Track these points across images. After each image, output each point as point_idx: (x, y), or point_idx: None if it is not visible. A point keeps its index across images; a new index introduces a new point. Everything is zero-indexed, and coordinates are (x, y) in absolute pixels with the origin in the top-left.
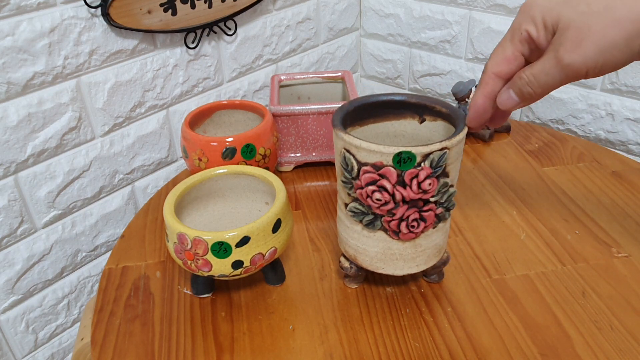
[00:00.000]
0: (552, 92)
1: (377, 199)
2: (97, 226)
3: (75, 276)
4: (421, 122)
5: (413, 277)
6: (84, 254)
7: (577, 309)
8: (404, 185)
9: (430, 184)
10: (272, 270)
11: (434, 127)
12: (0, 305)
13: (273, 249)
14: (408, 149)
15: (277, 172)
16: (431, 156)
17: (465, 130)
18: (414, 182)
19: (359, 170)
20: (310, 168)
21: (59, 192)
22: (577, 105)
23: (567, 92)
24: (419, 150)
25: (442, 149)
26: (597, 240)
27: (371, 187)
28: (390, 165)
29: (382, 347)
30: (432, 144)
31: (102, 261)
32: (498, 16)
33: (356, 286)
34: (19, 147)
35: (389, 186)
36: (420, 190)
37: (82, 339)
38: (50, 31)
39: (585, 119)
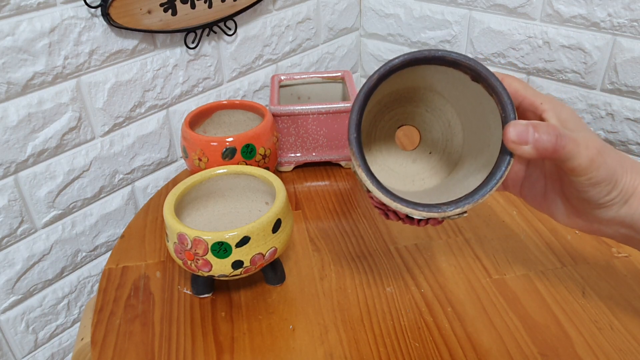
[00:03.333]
0: (553, 92)
1: (385, 216)
2: (97, 226)
3: (75, 276)
4: (473, 80)
5: (413, 277)
6: (84, 254)
7: (577, 309)
8: (412, 220)
9: (440, 224)
10: (272, 270)
11: (483, 98)
12: (0, 305)
13: (273, 249)
14: (423, 214)
15: (277, 172)
16: (447, 217)
17: (502, 179)
18: (423, 222)
19: (368, 191)
20: (310, 168)
21: (59, 192)
22: (577, 105)
23: (567, 92)
24: (433, 216)
25: (461, 213)
26: (597, 240)
27: (378, 210)
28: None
29: (382, 347)
30: (452, 207)
31: (102, 261)
32: (498, 16)
33: None
34: (19, 147)
35: (396, 217)
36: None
37: (82, 339)
38: (50, 31)
39: (585, 119)
